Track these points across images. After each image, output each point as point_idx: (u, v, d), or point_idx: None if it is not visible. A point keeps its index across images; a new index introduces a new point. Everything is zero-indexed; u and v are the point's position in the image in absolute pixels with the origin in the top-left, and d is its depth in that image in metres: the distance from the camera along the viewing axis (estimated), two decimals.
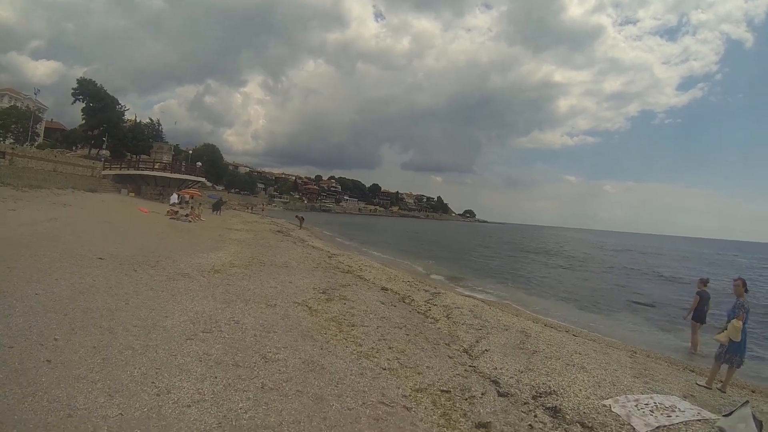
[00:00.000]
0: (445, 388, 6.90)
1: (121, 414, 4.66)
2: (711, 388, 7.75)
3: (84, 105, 67.73)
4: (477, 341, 9.89)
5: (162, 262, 13.01)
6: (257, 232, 29.03)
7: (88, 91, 66.97)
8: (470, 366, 8.19)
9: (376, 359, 7.67)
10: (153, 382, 5.49)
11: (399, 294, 14.26)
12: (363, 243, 43.10)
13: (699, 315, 11.66)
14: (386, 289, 14.65)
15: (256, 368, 6.51)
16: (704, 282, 11.82)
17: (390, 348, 8.42)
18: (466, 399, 6.63)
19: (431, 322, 11.21)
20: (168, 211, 30.48)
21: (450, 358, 8.53)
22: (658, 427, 5.68)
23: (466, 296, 17.21)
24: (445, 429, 5.60)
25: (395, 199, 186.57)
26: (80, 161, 47.16)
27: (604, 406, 6.54)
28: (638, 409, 6.22)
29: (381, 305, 11.96)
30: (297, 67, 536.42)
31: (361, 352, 7.95)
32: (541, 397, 6.93)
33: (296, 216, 49.50)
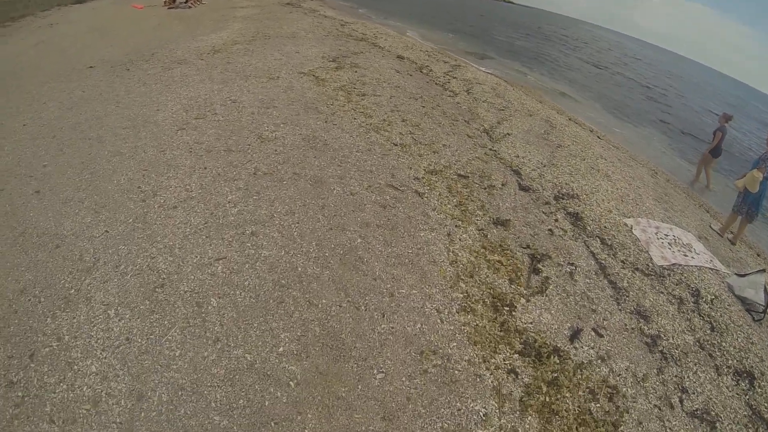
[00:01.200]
0: (462, 173, 5.94)
1: (106, 231, 4.06)
2: (723, 237, 7.19)
3: None
4: (499, 122, 8.59)
5: (158, 53, 11.39)
6: (264, 7, 25.60)
7: None
8: (491, 150, 7.09)
9: (387, 133, 6.63)
10: (139, 187, 4.73)
11: (416, 63, 12.44)
12: (381, 12, 38.49)
13: (716, 150, 10.47)
14: (402, 58, 12.78)
15: (249, 151, 5.61)
16: (727, 118, 10.37)
17: (403, 121, 7.28)
18: (485, 188, 5.72)
19: (450, 96, 9.77)
20: (164, 2, 27.07)
21: (469, 138, 7.37)
22: (673, 264, 5.12)
23: (488, 73, 15.10)
24: (459, 222, 4.80)
25: None
26: None
27: (626, 225, 5.72)
28: (658, 239, 5.54)
29: (396, 74, 10.44)
30: None
31: (371, 124, 6.88)
32: (563, 198, 6.02)
33: None
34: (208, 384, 2.87)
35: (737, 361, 4.10)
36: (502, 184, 5.92)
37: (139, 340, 3.05)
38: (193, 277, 3.55)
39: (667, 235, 5.70)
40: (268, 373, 2.97)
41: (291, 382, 2.94)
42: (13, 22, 23.60)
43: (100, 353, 2.99)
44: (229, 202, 4.52)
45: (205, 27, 17.10)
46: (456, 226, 4.74)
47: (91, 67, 10.57)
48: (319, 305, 3.42)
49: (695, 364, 3.91)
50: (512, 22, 65.97)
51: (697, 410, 3.50)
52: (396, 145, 6.31)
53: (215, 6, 27.80)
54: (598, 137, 10.66)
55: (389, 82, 9.52)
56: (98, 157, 5.48)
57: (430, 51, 15.60)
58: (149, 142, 5.86)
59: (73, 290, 3.43)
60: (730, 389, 3.78)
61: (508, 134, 7.96)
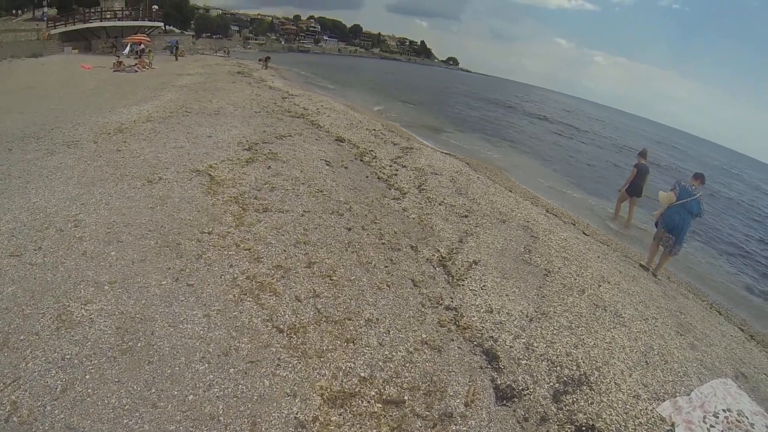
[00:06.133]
0: (393, 393, 3.06)
1: None
2: (649, 270, 6.99)
3: None
4: (461, 240, 5.88)
5: (58, 129, 8.30)
6: (210, 75, 22.84)
7: None
8: (449, 309, 4.26)
9: (273, 299, 3.75)
10: None
11: (358, 148, 9.83)
12: (335, 83, 35.78)
13: (634, 188, 10.01)
14: (342, 141, 10.18)
15: (23, 365, 2.71)
16: (643, 155, 10.11)
17: (310, 264, 4.44)
18: (434, 426, 2.86)
19: (395, 199, 7.08)
20: (114, 63, 24.11)
21: (415, 287, 4.52)
22: None
23: (446, 154, 12.55)
24: None
25: (377, 40, 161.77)
26: (23, 26, 36.82)
27: (663, 419, 3.30)
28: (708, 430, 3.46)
29: (325, 167, 7.74)
30: None
31: (253, 278, 4.00)
32: (568, 392, 3.34)
33: (259, 60, 39.07)
34: None
35: None
36: (466, 405, 3.10)
37: None
38: None
39: (716, 415, 3.61)
40: None
41: None
42: None
43: None
44: None
45: (136, 95, 14.16)
46: None
47: None
48: None
49: None
50: (472, 91, 65.55)
51: None
52: (281, 331, 3.38)
53: (164, 71, 24.80)
54: (584, 234, 8.11)
55: (311, 182, 6.80)
56: None
57: (377, 130, 13.08)
58: None
59: None
60: None
61: (475, 263, 5.23)
